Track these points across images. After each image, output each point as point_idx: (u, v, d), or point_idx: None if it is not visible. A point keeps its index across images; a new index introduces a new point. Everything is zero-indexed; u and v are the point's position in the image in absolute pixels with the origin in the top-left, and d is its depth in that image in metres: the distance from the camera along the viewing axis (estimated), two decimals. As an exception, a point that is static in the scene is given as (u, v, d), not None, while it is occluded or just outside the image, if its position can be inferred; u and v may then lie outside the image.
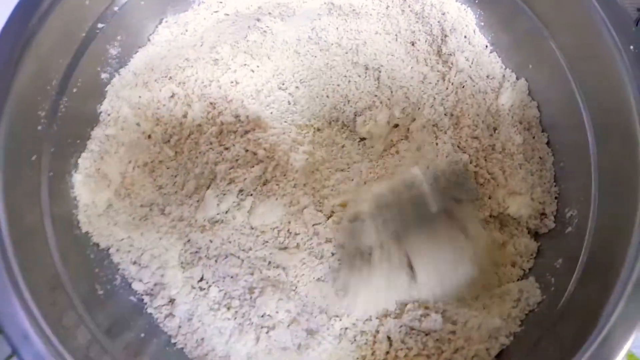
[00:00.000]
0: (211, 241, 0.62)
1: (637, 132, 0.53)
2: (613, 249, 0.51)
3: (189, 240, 0.62)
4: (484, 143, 0.65)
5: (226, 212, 0.63)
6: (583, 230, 0.56)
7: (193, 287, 0.61)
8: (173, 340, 0.60)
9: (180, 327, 0.60)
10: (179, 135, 0.65)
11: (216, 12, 0.73)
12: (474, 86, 0.67)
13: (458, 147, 0.65)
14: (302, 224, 0.62)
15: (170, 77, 0.67)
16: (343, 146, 0.68)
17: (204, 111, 0.66)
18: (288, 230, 0.62)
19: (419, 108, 0.66)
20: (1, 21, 0.55)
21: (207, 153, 0.64)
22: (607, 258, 0.52)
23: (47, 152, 0.58)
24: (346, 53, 0.70)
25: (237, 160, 0.63)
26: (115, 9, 0.65)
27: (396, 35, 0.71)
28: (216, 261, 0.61)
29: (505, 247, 0.61)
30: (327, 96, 0.68)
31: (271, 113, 0.67)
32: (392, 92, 0.68)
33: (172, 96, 0.67)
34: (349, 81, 0.69)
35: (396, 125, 0.67)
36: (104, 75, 0.66)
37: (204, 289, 0.61)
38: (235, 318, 0.59)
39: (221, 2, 0.73)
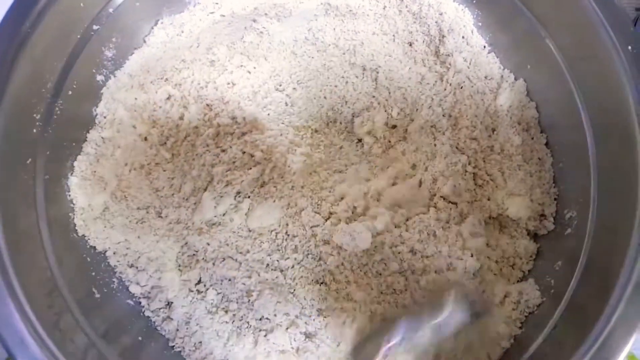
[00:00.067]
0: (208, 244, 0.61)
1: (635, 133, 0.53)
2: (613, 251, 0.51)
3: (186, 243, 0.62)
4: (483, 144, 0.64)
5: (223, 214, 0.63)
6: (582, 232, 0.56)
7: (190, 290, 0.61)
8: (171, 344, 0.60)
9: (177, 330, 0.60)
10: (176, 137, 0.65)
11: (212, 13, 0.72)
12: (472, 87, 0.67)
13: (456, 148, 0.65)
14: (300, 226, 0.62)
15: (166, 79, 0.67)
16: (341, 147, 0.68)
17: (201, 113, 0.66)
18: (286, 232, 0.62)
19: (417, 109, 0.66)
20: (-5, 24, 0.54)
21: (204, 155, 0.63)
22: (606, 259, 0.52)
23: (43, 155, 0.58)
24: (343, 54, 0.70)
25: (234, 162, 0.63)
26: (110, 10, 0.65)
27: (394, 35, 0.71)
28: (214, 264, 0.61)
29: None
30: (325, 97, 0.68)
31: (268, 114, 0.67)
32: (389, 93, 0.67)
33: (168, 98, 0.66)
34: (347, 82, 0.69)
35: (394, 126, 0.67)
36: (99, 77, 0.66)
37: (202, 292, 0.61)
38: (233, 321, 0.59)
39: (217, 3, 0.72)
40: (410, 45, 0.70)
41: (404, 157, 0.66)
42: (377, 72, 0.68)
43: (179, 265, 0.62)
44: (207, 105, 0.66)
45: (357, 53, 0.69)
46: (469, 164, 0.64)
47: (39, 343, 0.48)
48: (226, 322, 0.59)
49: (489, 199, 0.63)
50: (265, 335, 0.58)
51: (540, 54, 0.64)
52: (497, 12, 0.68)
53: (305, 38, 0.70)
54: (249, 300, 0.59)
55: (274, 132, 0.66)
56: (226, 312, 0.60)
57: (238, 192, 0.63)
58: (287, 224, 0.62)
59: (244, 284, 0.60)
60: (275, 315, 0.58)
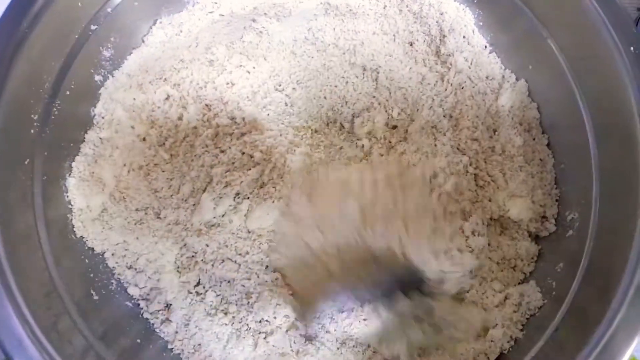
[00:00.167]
0: (207, 245, 0.61)
1: (637, 134, 0.52)
2: (614, 253, 0.51)
3: (185, 245, 0.62)
4: (484, 145, 0.64)
5: (222, 215, 0.62)
6: (584, 234, 0.56)
7: (189, 292, 0.61)
8: (170, 346, 0.60)
9: (176, 332, 0.60)
10: (174, 137, 0.65)
11: (211, 12, 0.72)
12: (473, 87, 0.66)
13: (457, 148, 0.64)
14: (299, 227, 0.61)
15: (165, 79, 0.66)
16: (341, 148, 0.68)
17: (200, 113, 0.65)
18: (285, 233, 0.61)
19: (418, 109, 0.66)
20: (-8, 23, 0.54)
21: (203, 156, 0.63)
22: (608, 262, 0.51)
23: (41, 156, 0.58)
24: (343, 54, 0.69)
25: (233, 163, 0.63)
26: (109, 10, 0.64)
27: (394, 35, 0.70)
28: (213, 266, 0.61)
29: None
30: (325, 97, 0.68)
31: (268, 115, 0.67)
32: (390, 93, 0.67)
33: (167, 98, 0.66)
34: (347, 82, 0.68)
35: (395, 127, 0.67)
36: (97, 78, 0.66)
37: (201, 293, 0.61)
38: (233, 323, 0.59)
39: (216, 3, 0.72)
40: (411, 45, 0.70)
41: (404, 158, 0.65)
42: (378, 72, 0.68)
43: (178, 267, 0.62)
44: (206, 105, 0.66)
45: (357, 53, 0.69)
46: (470, 164, 0.64)
47: (37, 345, 0.48)
48: (225, 324, 0.59)
49: (490, 200, 0.63)
50: (265, 338, 0.58)
51: (542, 54, 0.64)
52: (498, 12, 0.68)
53: (305, 38, 0.70)
54: (249, 302, 0.59)
55: (274, 132, 0.65)
56: (225, 314, 0.59)
57: (237, 193, 0.62)
58: (286, 225, 0.62)
59: (243, 285, 0.60)
60: (275, 317, 0.58)
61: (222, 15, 0.72)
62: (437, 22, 0.69)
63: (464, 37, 0.69)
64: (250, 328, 0.59)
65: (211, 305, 0.60)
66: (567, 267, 0.56)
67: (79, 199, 0.61)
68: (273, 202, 0.62)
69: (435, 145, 0.64)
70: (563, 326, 0.53)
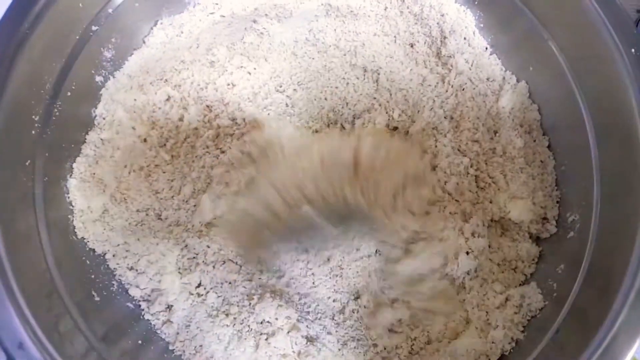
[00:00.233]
0: (208, 247, 0.61)
1: (638, 135, 0.53)
2: (616, 254, 0.51)
3: (186, 246, 0.62)
4: (485, 146, 0.64)
5: (222, 216, 0.62)
6: (585, 235, 0.56)
7: (191, 293, 0.61)
8: (171, 347, 0.60)
9: (178, 333, 0.60)
10: (175, 139, 0.65)
11: (212, 13, 0.72)
12: (474, 89, 0.66)
13: (458, 150, 0.64)
14: (301, 228, 0.61)
15: (166, 80, 0.66)
16: (342, 149, 0.68)
17: (200, 114, 0.65)
18: (287, 234, 0.62)
19: (419, 111, 0.66)
20: (-7, 24, 0.54)
21: (204, 157, 0.63)
22: (609, 263, 0.51)
23: (42, 157, 0.58)
24: (344, 55, 0.69)
25: (232, 163, 0.63)
26: (110, 11, 0.64)
27: (395, 36, 0.70)
28: (214, 267, 0.61)
29: None
30: (326, 98, 0.68)
31: (268, 115, 0.67)
32: (391, 94, 0.67)
33: (168, 99, 0.66)
34: (347, 83, 0.68)
35: (395, 128, 0.67)
36: (98, 78, 0.66)
37: (202, 295, 0.61)
38: (234, 324, 0.59)
39: (217, 4, 0.72)
40: (412, 46, 0.70)
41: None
42: (378, 74, 0.68)
43: (179, 268, 0.62)
44: (207, 106, 0.66)
45: (358, 54, 0.69)
46: (471, 166, 0.64)
47: (39, 346, 0.48)
48: (227, 326, 0.59)
49: (490, 202, 0.63)
50: (266, 339, 0.58)
51: (543, 55, 0.64)
52: (499, 13, 0.68)
53: (306, 39, 0.70)
54: (250, 303, 0.59)
55: (273, 132, 0.65)
56: (227, 315, 0.59)
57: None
58: (288, 226, 0.62)
59: (244, 287, 0.60)
60: (276, 318, 0.58)
61: (223, 16, 0.72)
62: (437, 23, 0.69)
63: (464, 38, 0.69)
64: (251, 329, 0.59)
65: (212, 306, 0.60)
66: (568, 269, 0.56)
67: (80, 200, 0.61)
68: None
69: (436, 146, 0.64)
70: (564, 328, 0.53)
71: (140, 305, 0.61)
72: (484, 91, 0.67)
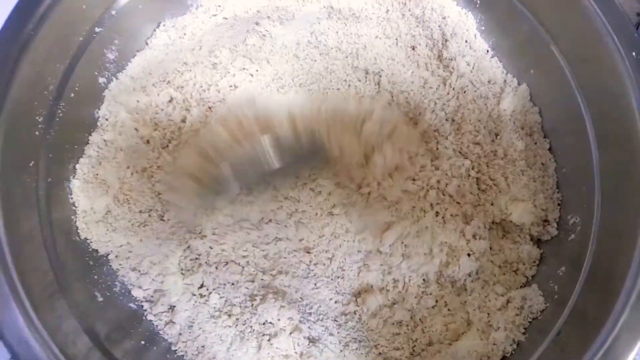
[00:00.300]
0: (211, 248, 0.61)
1: (639, 138, 0.53)
2: (617, 257, 0.51)
3: (188, 247, 0.62)
4: (486, 149, 0.64)
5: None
6: (586, 238, 0.56)
7: (193, 294, 0.61)
8: (173, 348, 0.60)
9: (180, 334, 0.60)
10: (178, 140, 0.65)
11: (215, 15, 0.72)
12: (475, 91, 0.67)
13: (459, 152, 0.65)
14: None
15: (169, 82, 0.67)
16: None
17: (203, 116, 0.66)
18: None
19: (420, 113, 0.66)
20: (-2, 26, 0.54)
21: (207, 158, 0.63)
22: (610, 266, 0.51)
23: (45, 158, 0.58)
24: (346, 57, 0.69)
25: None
26: (113, 12, 0.64)
27: (396, 39, 0.70)
28: (216, 268, 0.61)
29: None
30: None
31: (270, 117, 0.67)
32: (392, 96, 0.67)
33: (171, 101, 0.66)
34: (349, 85, 0.68)
35: (397, 130, 0.67)
36: (101, 80, 0.66)
37: (205, 295, 0.61)
38: (237, 325, 0.59)
39: (220, 6, 0.72)
40: (413, 49, 0.70)
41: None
42: (380, 76, 0.68)
43: (182, 269, 0.62)
44: (210, 108, 0.66)
45: (360, 56, 0.69)
46: (472, 168, 0.64)
47: (43, 346, 0.48)
48: (229, 327, 0.59)
49: (492, 204, 0.63)
50: (268, 340, 0.58)
51: (544, 58, 0.64)
52: (500, 16, 0.68)
53: (308, 41, 0.70)
54: (252, 304, 0.59)
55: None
56: (229, 316, 0.60)
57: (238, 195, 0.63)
58: (291, 227, 0.62)
59: (247, 288, 0.60)
60: (278, 319, 0.58)
61: (226, 19, 0.72)
62: (439, 26, 0.69)
63: (466, 41, 0.69)
64: (254, 330, 0.59)
65: (215, 307, 0.60)
66: (569, 271, 0.57)
67: (83, 201, 0.61)
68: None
69: (438, 148, 0.64)
70: (565, 330, 0.53)
71: (142, 306, 0.61)
72: (485, 94, 0.67)
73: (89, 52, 0.63)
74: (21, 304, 0.49)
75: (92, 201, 0.62)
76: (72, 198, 0.61)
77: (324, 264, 0.61)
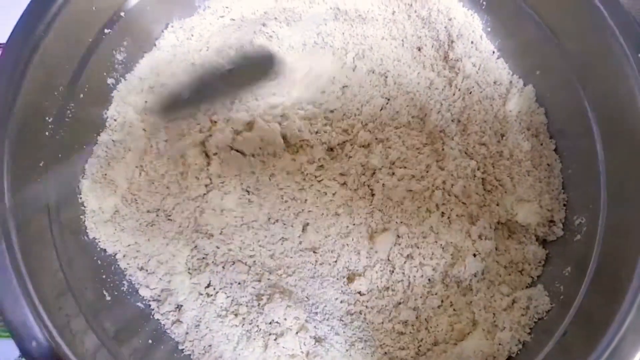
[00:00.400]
0: (218, 247, 0.62)
1: (645, 139, 0.53)
2: (623, 257, 0.51)
3: (195, 247, 0.62)
4: (492, 149, 0.64)
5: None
6: (592, 238, 0.56)
7: (200, 294, 0.61)
8: (180, 347, 0.60)
9: (187, 333, 0.60)
10: (186, 140, 0.65)
11: (222, 17, 0.72)
12: (481, 92, 0.67)
13: (465, 153, 0.65)
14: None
15: (177, 82, 0.67)
16: (350, 151, 0.68)
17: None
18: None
19: (426, 114, 0.66)
20: (9, 27, 0.55)
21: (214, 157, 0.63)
22: (616, 266, 0.51)
23: (55, 158, 0.58)
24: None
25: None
26: (122, 14, 0.65)
27: (402, 40, 0.71)
28: (223, 267, 0.61)
29: None
30: (334, 101, 0.68)
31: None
32: (398, 97, 0.67)
33: (178, 101, 0.67)
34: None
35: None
36: (110, 81, 0.66)
37: (211, 295, 0.61)
38: (243, 325, 0.60)
39: (227, 7, 0.73)
40: (419, 50, 0.70)
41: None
42: (386, 77, 0.69)
43: (189, 269, 0.62)
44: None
45: (366, 57, 0.69)
46: (478, 169, 0.64)
47: (51, 343, 0.49)
48: (236, 326, 0.59)
49: (497, 205, 0.63)
50: (275, 339, 0.59)
51: (550, 59, 0.64)
52: (507, 17, 0.68)
53: (315, 42, 0.70)
54: (259, 304, 0.60)
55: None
56: (236, 315, 0.60)
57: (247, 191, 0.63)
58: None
59: (253, 287, 0.61)
60: (285, 319, 0.59)
61: (233, 20, 0.72)
62: (445, 27, 0.69)
63: (472, 42, 0.69)
64: (260, 329, 0.59)
65: (222, 306, 0.60)
66: (575, 272, 0.57)
67: (91, 201, 0.62)
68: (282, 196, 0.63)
69: (443, 149, 0.65)
70: (571, 330, 0.53)
71: (150, 305, 0.62)
72: (491, 95, 0.67)
73: (98, 53, 0.63)
74: (31, 303, 0.49)
75: (101, 201, 0.62)
76: (81, 198, 0.61)
77: (330, 264, 0.61)
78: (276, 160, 0.64)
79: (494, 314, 0.59)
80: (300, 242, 0.62)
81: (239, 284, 0.61)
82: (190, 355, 0.60)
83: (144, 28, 0.69)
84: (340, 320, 0.60)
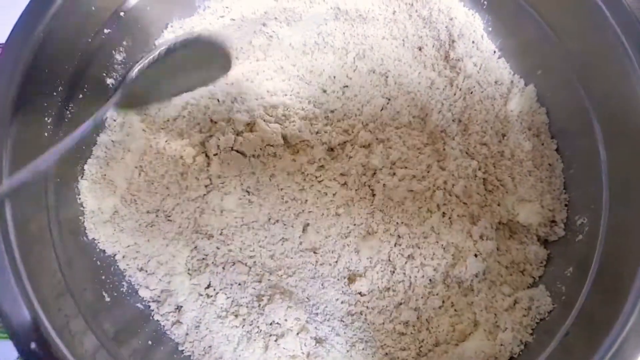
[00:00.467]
0: (218, 248, 0.62)
1: (647, 138, 0.52)
2: (625, 258, 0.51)
3: (195, 247, 0.62)
4: (493, 149, 0.64)
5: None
6: (594, 238, 0.55)
7: (200, 295, 0.61)
8: (180, 348, 0.60)
9: (187, 334, 0.60)
10: (185, 140, 0.65)
11: (222, 17, 0.72)
12: (482, 92, 0.67)
13: (466, 153, 0.65)
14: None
15: (176, 83, 0.67)
16: (351, 150, 0.68)
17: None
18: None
19: (427, 114, 0.66)
20: (8, 27, 0.55)
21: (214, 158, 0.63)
22: (618, 267, 0.51)
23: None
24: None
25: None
26: (121, 14, 0.65)
27: (403, 40, 0.70)
28: (223, 268, 0.61)
29: None
30: (334, 101, 0.68)
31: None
32: (399, 97, 0.67)
33: (178, 102, 0.66)
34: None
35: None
36: (109, 81, 0.66)
37: (212, 296, 0.61)
38: (243, 326, 0.59)
39: (227, 7, 0.72)
40: (420, 49, 0.70)
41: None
42: (387, 77, 0.68)
43: (189, 270, 0.62)
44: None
45: (367, 57, 0.69)
46: (479, 169, 0.64)
47: (50, 345, 0.48)
48: (236, 327, 0.59)
49: (499, 205, 0.63)
50: (275, 340, 0.58)
51: (551, 59, 0.64)
52: (507, 17, 0.68)
53: (315, 42, 0.70)
54: (260, 304, 0.59)
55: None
56: (236, 316, 0.60)
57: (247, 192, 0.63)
58: (297, 228, 0.62)
59: (254, 288, 0.60)
60: (285, 320, 0.58)
61: (233, 20, 0.72)
62: (446, 27, 0.69)
63: (473, 42, 0.69)
64: (260, 330, 0.59)
65: (222, 307, 0.60)
66: (577, 272, 0.56)
67: (91, 201, 0.61)
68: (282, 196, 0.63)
69: (444, 149, 0.64)
70: (573, 331, 0.52)
71: (150, 306, 0.61)
72: (492, 94, 0.67)
73: (98, 53, 0.63)
74: (30, 304, 0.49)
75: (100, 201, 0.62)
76: (80, 198, 0.61)
77: (330, 265, 0.61)
78: (276, 161, 0.64)
79: (495, 314, 0.59)
80: (301, 243, 0.62)
81: (239, 284, 0.61)
82: (190, 356, 0.60)
83: (144, 28, 0.69)
84: (341, 321, 0.60)
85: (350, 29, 0.70)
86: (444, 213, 0.63)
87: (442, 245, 0.61)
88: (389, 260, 0.61)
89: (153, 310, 0.61)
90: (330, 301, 0.61)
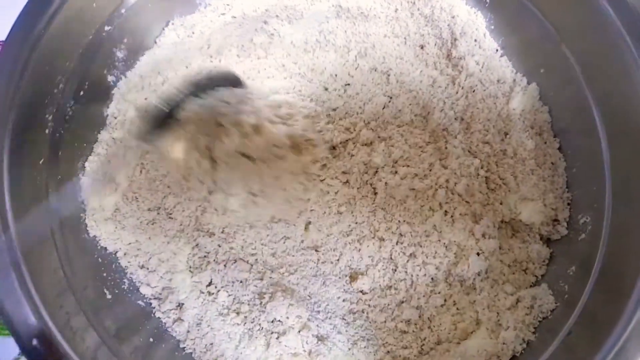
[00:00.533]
0: (219, 246, 0.61)
1: (650, 137, 0.52)
2: (628, 256, 0.51)
3: (197, 245, 0.62)
4: (495, 148, 0.64)
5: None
6: (597, 237, 0.55)
7: (202, 292, 0.61)
8: (182, 345, 0.60)
9: (189, 331, 0.60)
10: (187, 138, 0.65)
11: (223, 14, 0.72)
12: (484, 90, 0.66)
13: (469, 151, 0.64)
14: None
15: (177, 80, 0.67)
16: (352, 149, 0.68)
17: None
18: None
19: (429, 112, 0.66)
20: (8, 25, 0.54)
21: (215, 157, 0.63)
22: (621, 266, 0.51)
23: (55, 156, 0.58)
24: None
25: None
26: (122, 11, 0.65)
27: (405, 38, 0.70)
28: (225, 266, 0.61)
29: None
30: (336, 99, 0.68)
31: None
32: (401, 96, 0.67)
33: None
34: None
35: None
36: (110, 78, 0.66)
37: (213, 293, 0.61)
38: (245, 323, 0.59)
39: (228, 5, 0.72)
40: (422, 48, 0.70)
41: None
42: (389, 75, 0.68)
43: (190, 267, 0.62)
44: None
45: (369, 55, 0.69)
46: (482, 167, 0.64)
47: (52, 342, 0.49)
48: (238, 324, 0.59)
49: (501, 203, 0.63)
50: (277, 338, 0.58)
51: (554, 57, 0.63)
52: (510, 15, 0.68)
53: (316, 40, 0.70)
54: (261, 302, 0.59)
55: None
56: (238, 314, 0.60)
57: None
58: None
59: (255, 286, 0.60)
60: (287, 317, 0.58)
61: (234, 17, 0.72)
62: (448, 25, 0.69)
63: (475, 40, 0.69)
64: (262, 328, 0.59)
65: (223, 305, 0.60)
66: (580, 271, 0.56)
67: (92, 199, 0.62)
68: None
69: (446, 147, 0.64)
70: (576, 330, 0.52)
71: (151, 304, 0.62)
72: (494, 93, 0.66)
73: (99, 50, 0.63)
74: (32, 301, 0.49)
75: (101, 199, 0.62)
76: (81, 196, 0.61)
77: (332, 263, 0.61)
78: (281, 162, 0.64)
79: (497, 313, 0.59)
80: (303, 241, 0.62)
81: (241, 282, 0.61)
82: (191, 353, 0.60)
83: (145, 25, 0.69)
84: (343, 319, 0.60)
85: (352, 27, 0.70)
86: (446, 211, 0.62)
87: (444, 243, 0.61)
88: (391, 258, 0.61)
89: (154, 308, 0.61)
90: (332, 299, 0.60)
